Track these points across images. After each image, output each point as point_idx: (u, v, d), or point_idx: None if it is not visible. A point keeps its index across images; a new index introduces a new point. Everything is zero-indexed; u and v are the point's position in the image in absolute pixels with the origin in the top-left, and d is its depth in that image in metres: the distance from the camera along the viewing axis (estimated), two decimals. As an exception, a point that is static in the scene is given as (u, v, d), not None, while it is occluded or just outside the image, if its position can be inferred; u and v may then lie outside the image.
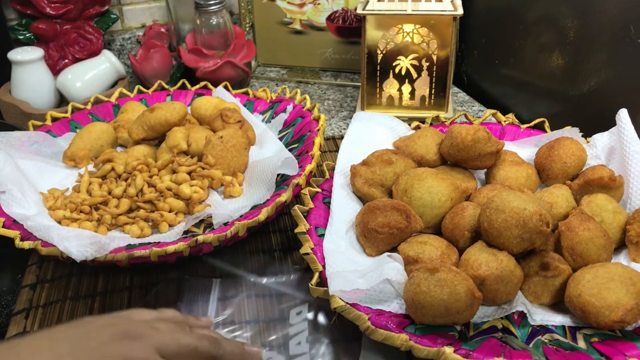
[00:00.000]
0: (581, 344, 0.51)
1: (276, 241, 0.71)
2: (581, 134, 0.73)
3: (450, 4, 0.87)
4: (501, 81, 1.02)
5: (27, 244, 0.59)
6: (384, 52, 0.89)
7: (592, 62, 0.81)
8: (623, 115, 0.68)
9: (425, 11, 0.85)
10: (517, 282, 0.54)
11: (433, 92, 0.91)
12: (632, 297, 0.50)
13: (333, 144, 0.92)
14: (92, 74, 0.96)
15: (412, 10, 0.86)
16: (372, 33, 0.88)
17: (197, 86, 0.93)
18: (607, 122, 0.71)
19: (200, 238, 0.60)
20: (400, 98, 0.93)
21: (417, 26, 0.87)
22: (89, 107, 0.89)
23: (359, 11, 0.86)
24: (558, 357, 0.48)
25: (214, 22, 0.99)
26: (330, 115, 1.01)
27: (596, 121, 0.74)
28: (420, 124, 0.81)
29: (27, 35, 1.00)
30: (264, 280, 0.64)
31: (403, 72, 0.90)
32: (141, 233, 0.66)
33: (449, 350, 0.47)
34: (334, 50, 1.14)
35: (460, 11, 0.85)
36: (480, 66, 1.07)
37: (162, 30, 1.08)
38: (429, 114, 0.87)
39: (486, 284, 0.53)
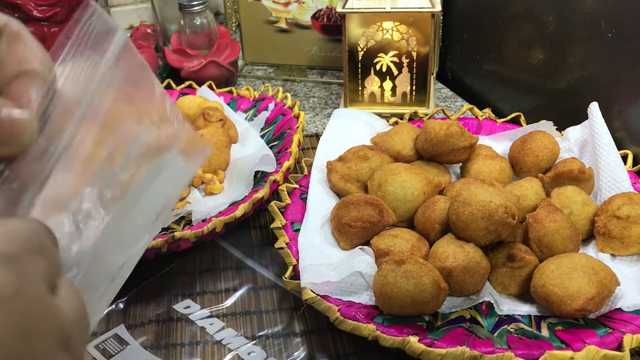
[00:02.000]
0: (545, 332, 0.52)
1: (256, 237, 0.72)
2: (555, 127, 0.75)
3: (428, 1, 0.88)
4: (483, 76, 1.03)
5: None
6: (364, 49, 0.90)
7: (569, 58, 0.82)
8: (594, 108, 0.69)
9: (404, 9, 0.87)
10: (484, 273, 0.56)
11: (414, 88, 0.93)
12: (593, 286, 0.51)
13: (317, 141, 0.93)
14: (79, 75, 0.98)
15: (391, 8, 0.87)
16: (353, 31, 0.89)
17: (182, 86, 0.95)
18: (585, 116, 0.73)
19: (178, 234, 0.61)
20: (382, 95, 0.94)
21: (396, 23, 0.88)
22: (75, 107, 0.90)
23: (339, 9, 0.87)
24: (520, 345, 0.50)
25: (197, 23, 1.01)
26: (315, 112, 1.03)
27: (575, 115, 0.75)
28: (399, 120, 0.82)
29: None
30: (242, 273, 0.66)
31: (384, 69, 0.92)
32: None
33: (413, 339, 0.49)
34: (319, 48, 1.15)
35: (438, 8, 0.86)
36: (463, 62, 1.08)
37: (149, 31, 1.10)
38: (409, 110, 0.88)
39: (453, 275, 0.54)
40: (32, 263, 0.25)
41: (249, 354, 0.57)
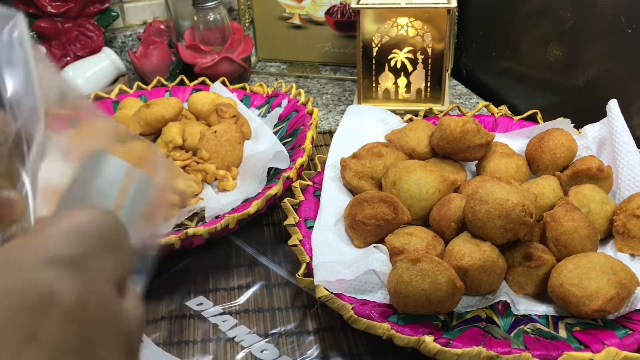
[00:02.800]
0: (562, 333, 0.52)
1: (269, 233, 0.72)
2: (573, 125, 0.73)
3: (444, -4, 0.87)
4: (498, 73, 1.02)
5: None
6: (379, 45, 0.90)
7: (588, 54, 0.81)
8: (613, 105, 0.68)
9: (419, 4, 0.86)
10: (500, 273, 0.55)
11: (429, 85, 0.92)
12: (612, 287, 0.50)
13: (330, 138, 0.93)
14: (93, 71, 0.98)
15: (406, 4, 0.86)
16: (367, 27, 0.88)
17: (195, 82, 0.94)
18: (603, 114, 0.71)
19: (191, 231, 0.61)
20: (396, 91, 0.93)
21: (412, 19, 0.87)
22: (89, 103, 0.90)
23: (353, 5, 0.87)
24: (538, 345, 0.49)
25: (211, 19, 1.00)
26: (328, 109, 1.02)
27: (593, 113, 0.74)
28: (413, 116, 0.81)
29: (30, 33, 1.02)
30: (255, 270, 0.66)
31: (398, 66, 0.91)
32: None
33: (428, 339, 0.48)
34: (333, 45, 1.15)
35: (454, 4, 0.85)
36: (478, 59, 1.07)
37: (162, 27, 1.10)
38: (424, 107, 0.87)
39: (469, 274, 0.54)
40: (102, 264, 0.24)
41: (262, 351, 0.56)
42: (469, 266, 0.53)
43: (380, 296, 0.56)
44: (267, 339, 0.58)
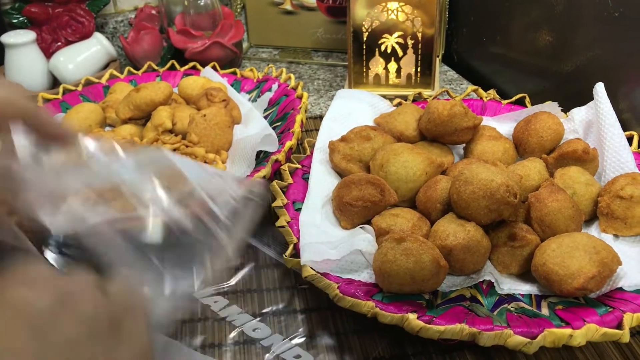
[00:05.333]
0: (545, 311, 0.52)
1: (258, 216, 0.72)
2: (560, 108, 0.74)
3: (434, -19, 0.87)
4: (489, 59, 1.02)
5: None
6: (369, 30, 0.90)
7: (576, 39, 0.81)
8: (599, 89, 0.68)
9: (409, -11, 0.86)
10: (485, 252, 0.56)
11: (419, 70, 0.92)
12: (594, 265, 0.51)
13: (321, 122, 0.93)
14: (84, 56, 0.98)
15: (396, -12, 0.86)
16: (358, 12, 0.89)
17: (186, 67, 0.94)
18: (591, 98, 0.72)
19: (179, 212, 0.61)
20: (387, 76, 0.94)
21: (402, 4, 0.87)
22: (79, 88, 0.90)
23: (343, -10, 0.87)
24: (520, 323, 0.50)
25: (202, 3, 1.00)
26: (320, 94, 1.02)
27: (582, 97, 0.74)
28: (403, 101, 0.81)
29: (21, 18, 1.01)
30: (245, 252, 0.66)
31: (389, 51, 0.91)
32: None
33: (412, 316, 0.49)
34: (324, 30, 1.15)
35: (443, -12, 0.85)
36: (469, 44, 1.07)
37: (153, 12, 1.10)
38: (415, 92, 0.88)
39: (453, 253, 0.54)
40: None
41: (253, 330, 0.57)
42: (453, 246, 0.54)
43: (366, 276, 0.56)
44: (258, 319, 0.58)
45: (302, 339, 0.56)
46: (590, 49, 0.79)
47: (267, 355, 0.55)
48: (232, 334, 0.57)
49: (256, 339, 0.56)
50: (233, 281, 0.63)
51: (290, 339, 0.56)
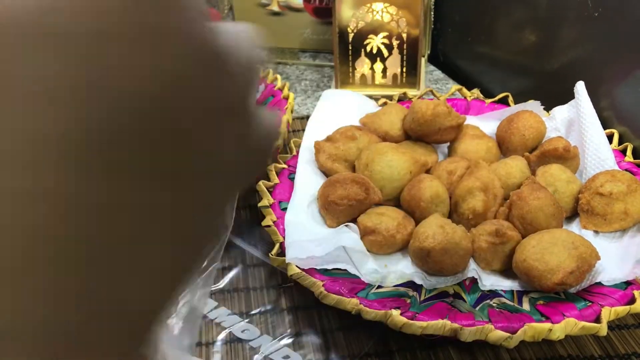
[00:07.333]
0: (526, 306, 0.53)
1: (245, 216, 0.73)
2: (544, 107, 0.75)
3: (418, -18, 0.88)
4: (474, 58, 1.04)
5: None
6: (354, 31, 0.91)
7: (560, 39, 0.82)
8: (580, 87, 0.69)
9: (394, -10, 0.87)
10: (464, 255, 0.56)
11: (404, 70, 0.93)
12: (573, 260, 0.52)
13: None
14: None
15: (381, -11, 0.87)
16: (343, 12, 0.89)
17: (173, 68, 0.95)
18: (573, 96, 0.73)
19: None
20: (373, 77, 0.95)
21: (387, 5, 0.88)
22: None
23: (329, -9, 0.88)
24: (501, 318, 0.51)
25: (189, 5, 1.01)
26: (307, 95, 1.03)
27: (566, 97, 0.75)
28: (388, 101, 0.82)
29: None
30: (231, 252, 0.67)
31: (374, 51, 0.92)
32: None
33: (395, 312, 0.49)
34: (312, 31, 1.15)
35: (428, -11, 0.86)
36: (455, 44, 1.08)
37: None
38: (400, 92, 0.89)
39: (431, 255, 0.55)
40: None
41: (242, 331, 0.58)
42: (431, 248, 0.55)
43: (352, 268, 0.57)
44: (247, 320, 0.59)
45: (290, 340, 0.57)
46: (572, 49, 0.80)
47: (256, 356, 0.55)
48: (221, 336, 0.58)
49: (245, 340, 0.57)
50: (221, 284, 0.64)
51: (279, 340, 0.57)
